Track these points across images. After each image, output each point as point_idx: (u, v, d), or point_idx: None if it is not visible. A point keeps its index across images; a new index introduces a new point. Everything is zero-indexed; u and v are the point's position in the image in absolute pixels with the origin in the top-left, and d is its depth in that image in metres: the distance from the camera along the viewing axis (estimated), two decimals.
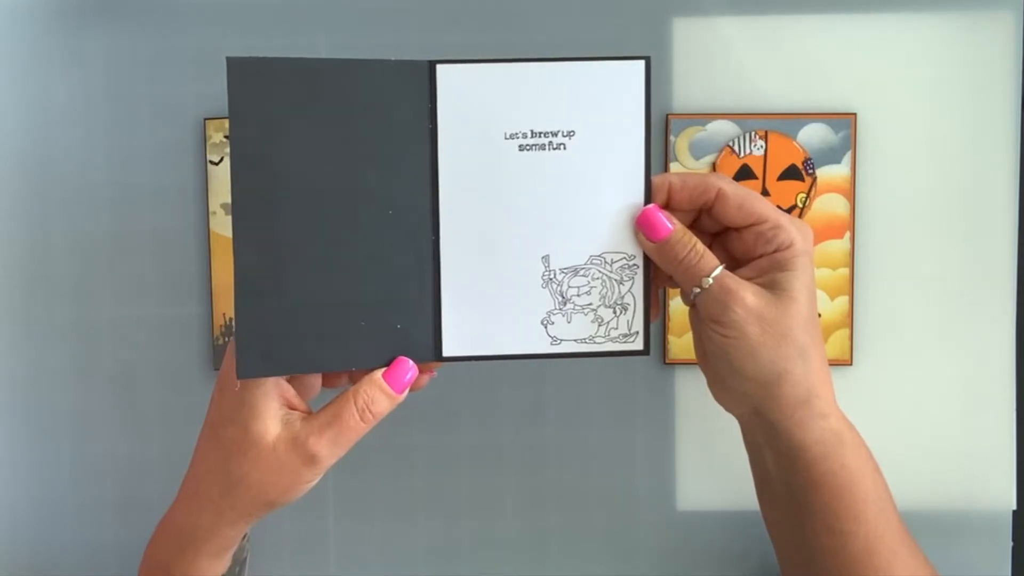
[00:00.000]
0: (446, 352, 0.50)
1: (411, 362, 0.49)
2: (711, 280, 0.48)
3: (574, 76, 0.49)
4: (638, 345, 0.51)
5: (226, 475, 0.49)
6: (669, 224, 0.49)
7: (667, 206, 0.50)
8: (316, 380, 0.52)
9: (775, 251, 0.49)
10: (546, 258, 0.50)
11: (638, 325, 0.51)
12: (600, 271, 0.50)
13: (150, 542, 0.53)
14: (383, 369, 0.49)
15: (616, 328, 0.51)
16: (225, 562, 0.53)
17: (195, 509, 0.50)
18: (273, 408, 0.48)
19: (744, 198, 0.49)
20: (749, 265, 0.50)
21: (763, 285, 0.49)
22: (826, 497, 0.49)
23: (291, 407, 0.49)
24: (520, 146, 0.49)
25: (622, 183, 0.49)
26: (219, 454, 0.49)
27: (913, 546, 0.51)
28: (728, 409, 0.52)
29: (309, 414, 0.49)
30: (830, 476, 0.49)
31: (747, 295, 0.48)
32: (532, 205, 0.49)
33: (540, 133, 0.49)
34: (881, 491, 0.51)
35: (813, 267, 0.49)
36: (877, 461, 0.51)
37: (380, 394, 0.48)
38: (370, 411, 0.48)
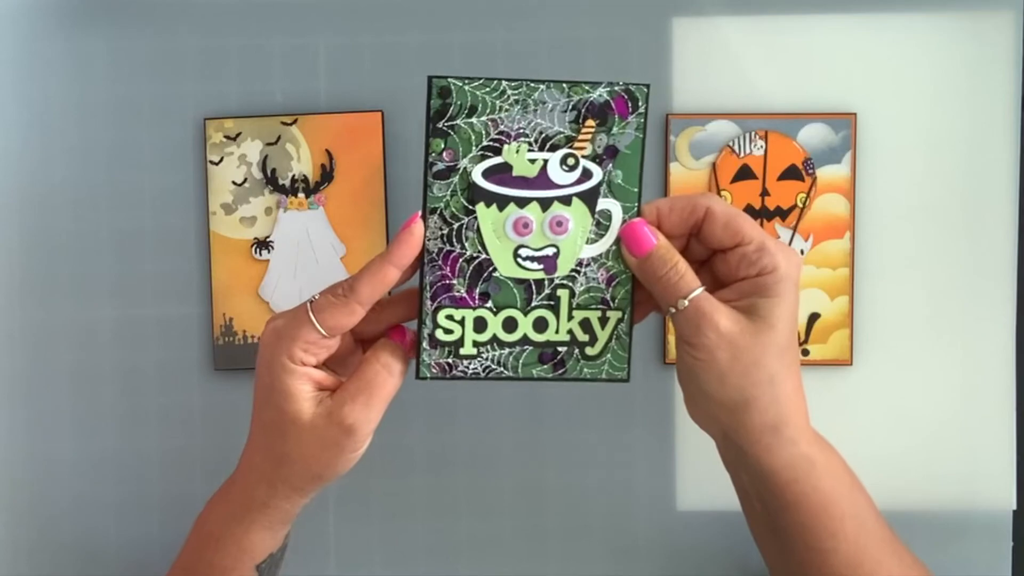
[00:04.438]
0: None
1: (407, 329, 0.51)
2: (687, 302, 0.47)
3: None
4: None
5: (272, 452, 0.50)
6: (653, 238, 0.48)
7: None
8: (353, 357, 0.52)
9: (758, 274, 0.47)
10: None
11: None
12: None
13: (200, 516, 0.54)
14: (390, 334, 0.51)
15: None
16: (278, 539, 0.54)
17: (250, 484, 0.52)
18: (305, 390, 0.49)
19: (732, 217, 0.48)
20: (731, 287, 0.49)
21: (742, 309, 0.48)
22: (801, 517, 0.49)
23: (322, 388, 0.50)
24: None
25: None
26: (264, 434, 0.50)
27: (901, 550, 0.51)
28: (702, 428, 0.51)
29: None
30: (803, 498, 0.49)
31: (721, 320, 0.47)
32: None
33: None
34: (859, 507, 0.50)
35: (797, 293, 0.48)
36: (855, 475, 0.51)
37: (391, 354, 0.50)
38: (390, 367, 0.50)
